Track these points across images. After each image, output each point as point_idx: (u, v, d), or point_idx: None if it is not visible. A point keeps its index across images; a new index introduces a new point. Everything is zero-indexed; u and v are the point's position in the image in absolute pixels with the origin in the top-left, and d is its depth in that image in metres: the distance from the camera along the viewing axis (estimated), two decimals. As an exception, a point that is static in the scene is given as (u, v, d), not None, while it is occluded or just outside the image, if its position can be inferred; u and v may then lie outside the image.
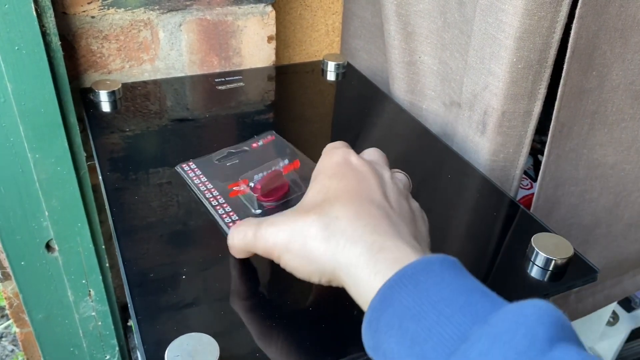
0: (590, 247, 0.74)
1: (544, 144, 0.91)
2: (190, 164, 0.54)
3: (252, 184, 0.49)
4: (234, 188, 0.50)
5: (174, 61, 0.70)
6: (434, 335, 0.28)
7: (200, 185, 0.52)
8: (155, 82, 0.70)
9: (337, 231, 0.35)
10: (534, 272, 0.45)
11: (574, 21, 0.52)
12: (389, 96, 0.72)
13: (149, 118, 0.62)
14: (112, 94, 0.63)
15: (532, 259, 0.45)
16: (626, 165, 0.67)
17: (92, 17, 0.64)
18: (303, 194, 0.41)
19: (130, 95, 0.66)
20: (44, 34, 0.55)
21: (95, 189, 0.68)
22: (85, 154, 0.64)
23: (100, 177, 0.53)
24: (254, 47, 0.74)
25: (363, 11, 0.81)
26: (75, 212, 0.65)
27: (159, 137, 0.60)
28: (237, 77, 0.72)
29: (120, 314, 0.80)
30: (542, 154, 0.93)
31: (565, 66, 0.55)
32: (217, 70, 0.74)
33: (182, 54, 0.70)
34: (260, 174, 0.50)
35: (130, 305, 0.40)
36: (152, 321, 0.38)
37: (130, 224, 0.47)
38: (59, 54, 0.57)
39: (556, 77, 0.57)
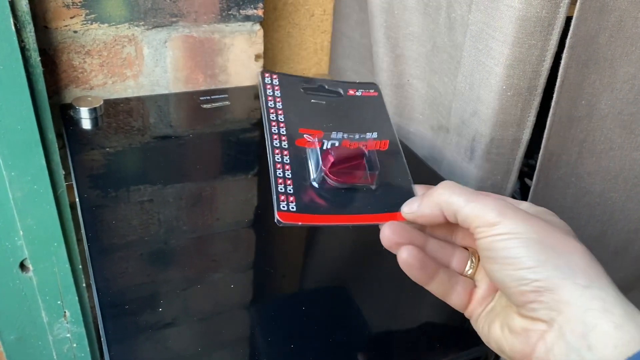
0: (576, 275, 0.74)
1: (530, 167, 0.91)
2: (275, 77, 0.44)
3: (325, 146, 0.41)
4: (304, 135, 0.42)
5: (159, 78, 0.69)
6: None
7: (272, 110, 0.42)
8: (138, 99, 0.68)
9: (599, 266, 0.31)
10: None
11: (564, 51, 0.52)
12: (376, 118, 0.71)
13: (131, 135, 0.61)
14: (93, 111, 0.62)
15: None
16: (613, 193, 0.66)
17: (75, 31, 0.62)
18: (374, 187, 0.40)
19: (113, 111, 0.65)
20: (23, 49, 0.53)
21: (73, 206, 0.66)
22: (64, 172, 0.62)
23: (77, 197, 0.51)
24: (241, 65, 0.73)
25: (352, 31, 0.81)
26: (52, 231, 0.63)
27: (140, 154, 0.58)
28: (222, 96, 0.70)
29: (97, 335, 0.77)
30: (529, 177, 0.92)
31: (554, 95, 0.54)
32: (203, 88, 0.72)
33: (167, 70, 0.69)
34: (339, 135, 0.41)
35: (102, 330, 0.38)
36: (124, 347, 0.37)
37: (110, 242, 0.46)
38: (38, 69, 0.56)
39: (545, 105, 0.56)
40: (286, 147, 0.41)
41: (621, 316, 0.28)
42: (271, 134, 0.41)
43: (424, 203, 0.36)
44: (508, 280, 0.32)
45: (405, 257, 0.36)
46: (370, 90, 0.46)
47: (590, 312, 0.28)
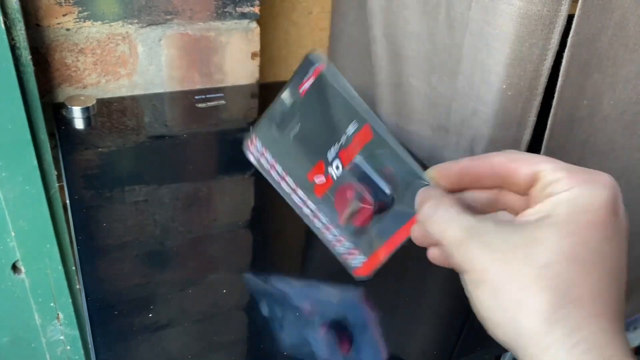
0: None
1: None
2: (254, 138, 0.43)
3: (333, 173, 0.39)
4: (315, 180, 0.40)
5: (153, 76, 0.68)
6: None
7: (271, 170, 0.42)
8: (132, 98, 0.67)
9: (568, 320, 0.26)
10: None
11: (566, 49, 0.51)
12: (375, 118, 0.70)
13: (125, 135, 0.60)
14: (85, 110, 0.61)
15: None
16: (615, 195, 0.65)
17: (67, 29, 0.61)
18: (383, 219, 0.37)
19: (106, 111, 0.64)
20: (13, 48, 0.52)
21: (66, 207, 0.65)
22: (56, 172, 0.61)
23: (67, 198, 0.50)
24: (237, 63, 0.72)
25: (351, 29, 0.79)
26: (44, 232, 0.62)
27: (134, 154, 0.57)
28: (218, 95, 0.69)
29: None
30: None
31: (556, 95, 0.53)
32: (198, 87, 0.71)
33: (162, 69, 0.68)
34: (333, 153, 0.39)
35: (89, 336, 0.37)
36: (113, 353, 0.36)
37: (101, 244, 0.45)
38: (29, 68, 0.55)
39: (544, 105, 0.55)
40: (306, 197, 0.41)
41: None
42: (287, 194, 0.41)
43: (416, 231, 0.35)
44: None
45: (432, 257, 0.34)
46: (315, 68, 0.39)
47: None
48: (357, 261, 0.40)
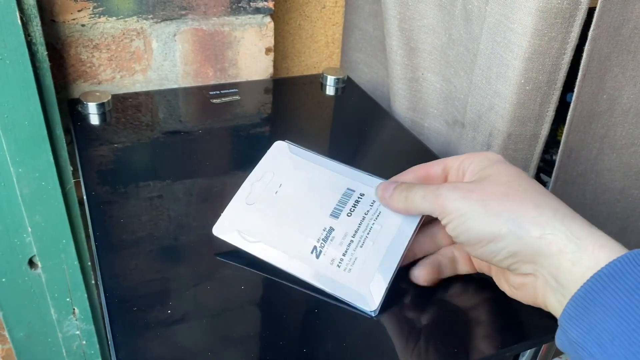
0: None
1: (545, 161, 0.89)
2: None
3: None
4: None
5: (168, 72, 0.68)
6: None
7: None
8: (147, 94, 0.67)
9: (548, 206, 0.34)
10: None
11: (587, 43, 0.50)
12: (389, 113, 0.70)
13: (140, 131, 0.60)
14: (101, 106, 0.61)
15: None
16: (634, 190, 0.64)
17: (83, 25, 0.61)
18: None
19: (121, 106, 0.64)
20: (30, 44, 0.52)
21: (82, 202, 0.65)
22: (72, 168, 0.62)
23: (84, 194, 0.50)
24: (251, 58, 0.71)
25: (364, 23, 0.79)
26: (60, 228, 0.62)
27: (149, 150, 0.57)
28: (232, 90, 0.69)
29: (106, 332, 0.77)
30: (544, 172, 0.90)
31: (576, 89, 0.53)
32: (212, 82, 0.71)
33: (176, 64, 0.68)
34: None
35: (109, 331, 0.38)
36: (132, 347, 0.36)
37: (118, 239, 0.45)
38: (46, 64, 0.55)
39: (559, 98, 0.54)
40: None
41: (574, 253, 0.32)
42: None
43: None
44: (485, 257, 0.36)
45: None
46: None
47: (553, 257, 0.33)
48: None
